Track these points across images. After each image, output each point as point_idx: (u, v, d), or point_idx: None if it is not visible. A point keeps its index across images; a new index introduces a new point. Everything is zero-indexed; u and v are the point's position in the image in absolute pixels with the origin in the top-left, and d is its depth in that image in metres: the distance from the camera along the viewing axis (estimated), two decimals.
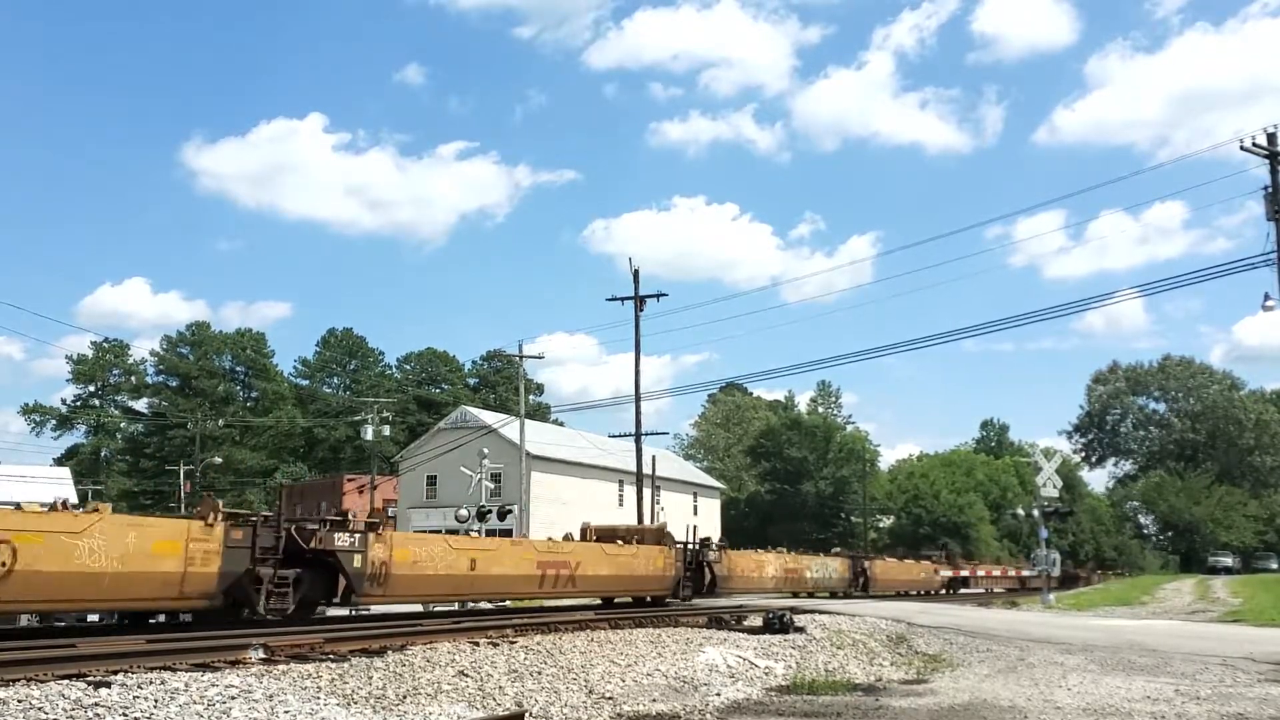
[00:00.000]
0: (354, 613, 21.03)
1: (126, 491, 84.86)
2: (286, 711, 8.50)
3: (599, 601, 23.27)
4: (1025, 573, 59.47)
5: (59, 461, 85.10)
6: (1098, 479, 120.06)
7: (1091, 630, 20.83)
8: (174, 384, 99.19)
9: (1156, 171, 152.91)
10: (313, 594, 16.07)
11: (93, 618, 16.85)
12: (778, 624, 17.09)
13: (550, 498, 59.29)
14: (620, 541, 23.56)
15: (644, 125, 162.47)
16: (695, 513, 71.19)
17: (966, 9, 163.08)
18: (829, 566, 37.16)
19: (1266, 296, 24.43)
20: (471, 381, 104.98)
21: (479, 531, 35.57)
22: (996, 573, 59.33)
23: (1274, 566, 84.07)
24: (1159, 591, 48.12)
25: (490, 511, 37.55)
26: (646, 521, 40.86)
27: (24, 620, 16.85)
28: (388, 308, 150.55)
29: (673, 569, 24.47)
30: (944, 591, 47.52)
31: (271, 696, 8.80)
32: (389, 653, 11.52)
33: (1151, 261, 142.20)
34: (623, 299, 39.71)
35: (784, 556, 33.58)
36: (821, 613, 20.52)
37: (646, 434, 41.92)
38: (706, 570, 26.18)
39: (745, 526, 79.12)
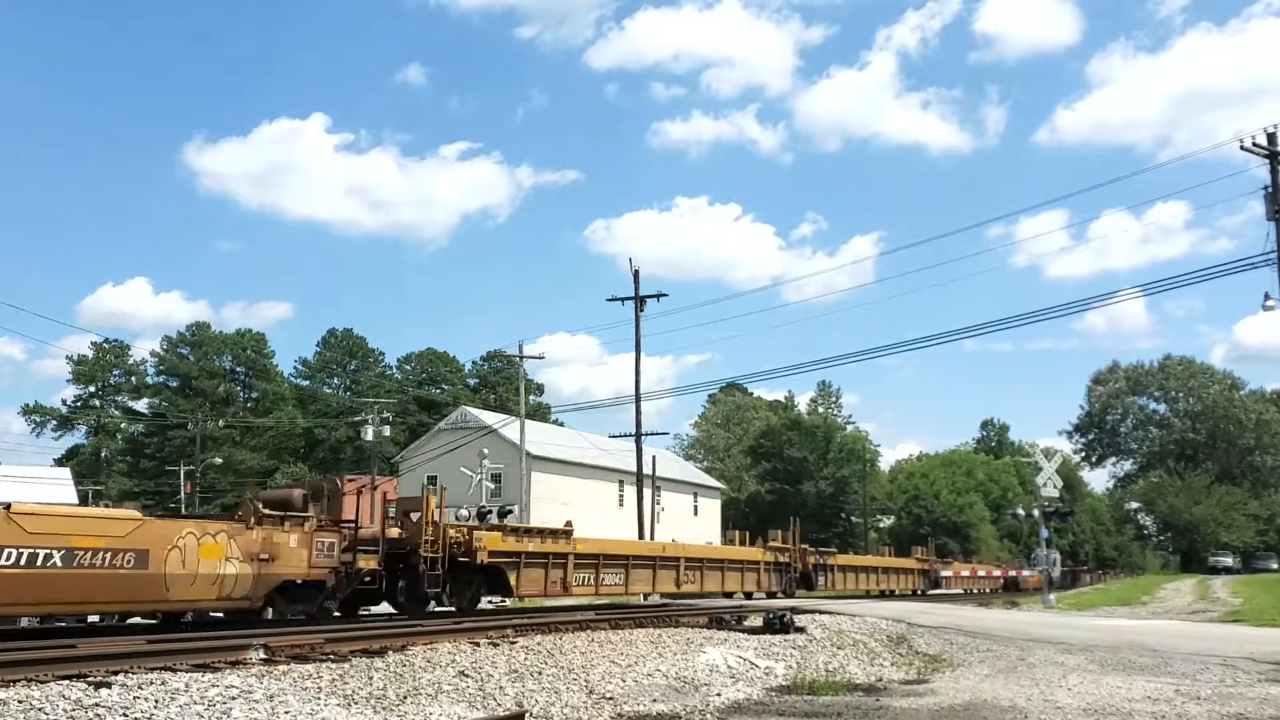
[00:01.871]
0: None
1: (127, 492, 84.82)
2: (287, 712, 8.50)
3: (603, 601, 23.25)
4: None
5: (59, 462, 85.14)
6: (1098, 479, 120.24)
7: (1092, 630, 20.82)
8: (174, 384, 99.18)
9: (1158, 171, 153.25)
10: None
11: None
12: (778, 624, 17.09)
13: (550, 498, 59.25)
14: None
15: (646, 125, 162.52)
16: (695, 513, 71.24)
17: (969, 9, 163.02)
18: None
19: (1267, 296, 24.50)
20: (472, 382, 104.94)
21: None
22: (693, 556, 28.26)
23: (1274, 566, 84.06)
24: (1159, 591, 48.13)
25: (490, 512, 37.48)
26: (646, 522, 40.95)
27: (24, 621, 16.87)
28: (388, 308, 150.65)
29: None
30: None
31: (272, 697, 8.80)
32: (389, 653, 11.53)
33: (1153, 261, 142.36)
34: (623, 299, 39.82)
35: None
36: (821, 613, 20.53)
37: (647, 434, 42.05)
38: None
39: (745, 528, 79.07)
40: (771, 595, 28.83)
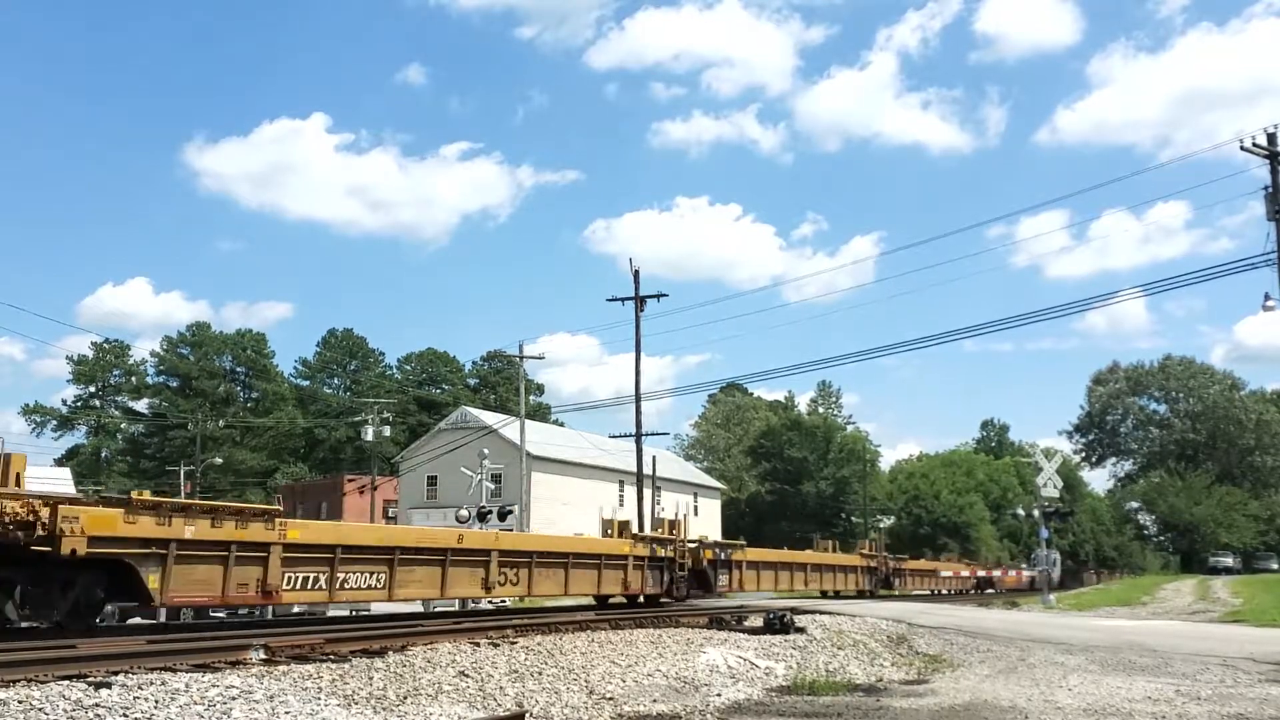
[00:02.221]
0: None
1: (127, 493, 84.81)
2: (287, 712, 8.49)
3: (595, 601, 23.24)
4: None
5: (59, 462, 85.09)
6: (1098, 479, 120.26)
7: (1092, 630, 20.83)
8: (174, 384, 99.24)
9: (1158, 171, 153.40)
10: None
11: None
12: (778, 624, 17.10)
13: (550, 498, 59.33)
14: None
15: (646, 125, 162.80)
16: (696, 513, 71.24)
17: (970, 8, 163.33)
18: None
19: (1267, 296, 24.51)
20: (472, 382, 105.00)
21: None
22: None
23: (1274, 567, 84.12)
24: (1159, 592, 48.13)
25: (491, 512, 37.56)
26: (647, 521, 40.91)
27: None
28: (388, 308, 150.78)
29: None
30: None
31: (272, 697, 8.80)
32: (390, 653, 11.53)
33: (1154, 261, 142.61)
34: (623, 299, 39.81)
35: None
36: (822, 613, 20.53)
37: (647, 434, 42.01)
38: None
39: (745, 527, 79.14)
40: (651, 600, 22.91)
